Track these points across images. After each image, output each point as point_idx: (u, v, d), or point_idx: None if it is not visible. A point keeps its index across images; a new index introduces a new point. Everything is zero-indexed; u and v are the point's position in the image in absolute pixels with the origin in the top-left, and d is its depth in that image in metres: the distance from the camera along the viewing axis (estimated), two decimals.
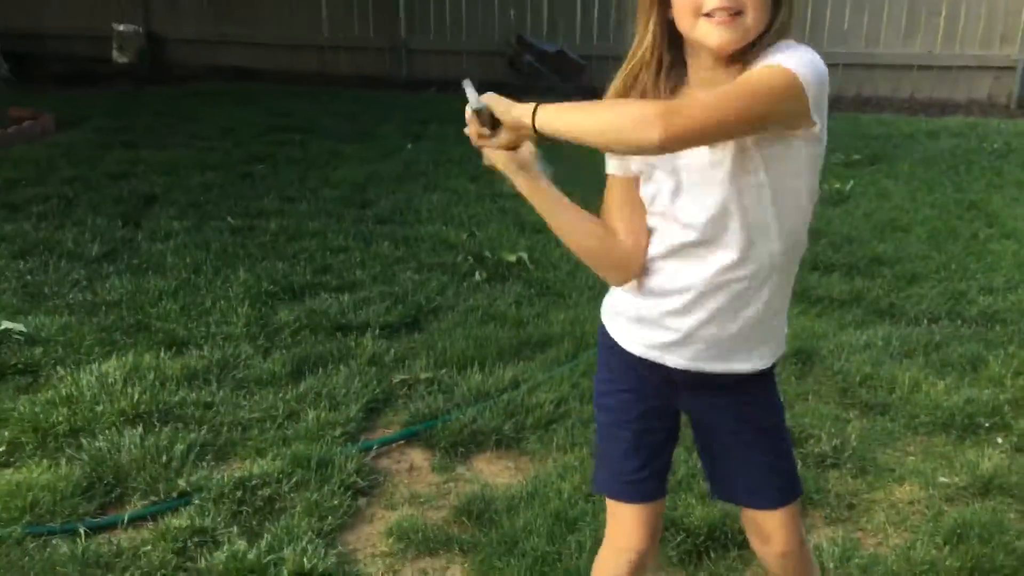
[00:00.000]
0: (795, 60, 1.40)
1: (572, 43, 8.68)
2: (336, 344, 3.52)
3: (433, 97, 8.17)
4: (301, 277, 4.13)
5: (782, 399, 1.80)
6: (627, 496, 1.73)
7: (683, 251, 1.55)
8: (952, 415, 2.97)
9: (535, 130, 1.44)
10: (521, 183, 1.58)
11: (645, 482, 1.72)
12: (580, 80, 8.20)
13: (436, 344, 3.49)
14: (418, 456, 2.89)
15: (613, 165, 1.61)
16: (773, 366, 1.68)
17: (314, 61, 9.43)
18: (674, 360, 1.61)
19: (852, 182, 5.52)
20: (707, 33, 1.42)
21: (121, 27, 9.52)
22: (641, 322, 1.64)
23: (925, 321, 3.69)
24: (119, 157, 6.03)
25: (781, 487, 1.72)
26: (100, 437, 2.82)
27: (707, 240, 1.52)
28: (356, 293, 3.96)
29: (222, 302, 3.83)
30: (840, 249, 4.47)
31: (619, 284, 1.66)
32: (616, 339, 1.68)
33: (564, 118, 1.43)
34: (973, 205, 5.10)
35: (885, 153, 6.27)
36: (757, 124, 1.41)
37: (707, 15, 1.41)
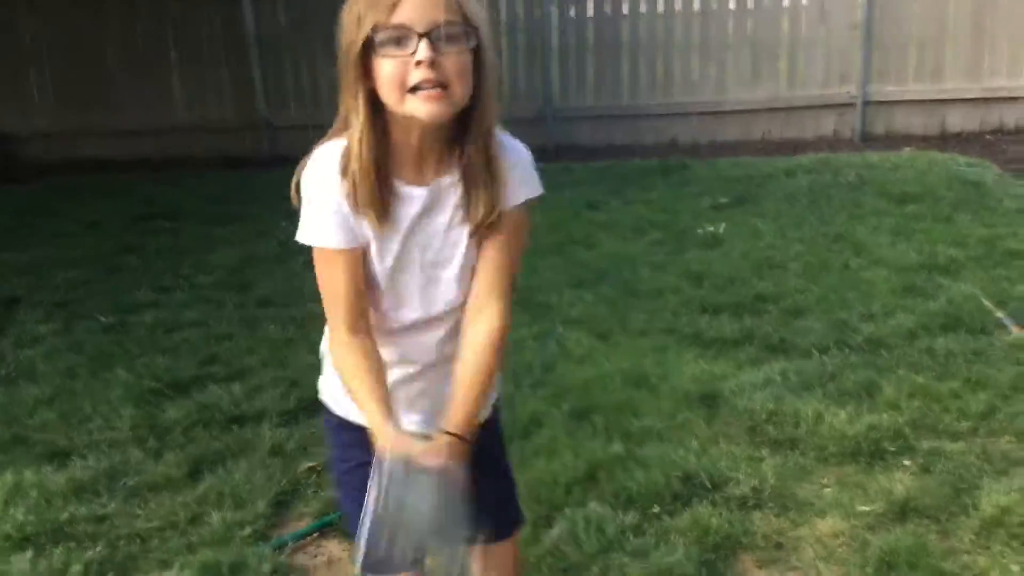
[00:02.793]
0: (536, 182, 1.59)
1: None
2: (233, 438, 3.35)
3: None
4: (186, 370, 3.94)
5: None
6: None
7: None
8: (858, 443, 3.05)
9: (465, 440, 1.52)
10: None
11: None
12: None
13: None
14: (335, 547, 2.76)
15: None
16: None
17: (173, 145, 9.17)
18: None
19: (724, 224, 5.70)
20: (416, 108, 1.43)
21: None
22: None
23: (816, 353, 3.80)
24: None
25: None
26: None
27: None
28: (248, 381, 3.80)
29: (103, 406, 3.61)
30: (724, 290, 4.59)
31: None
32: None
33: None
34: (839, 237, 5.34)
35: (749, 194, 6.51)
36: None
37: (413, 90, 1.42)
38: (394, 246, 1.56)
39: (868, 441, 3.05)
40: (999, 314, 4.04)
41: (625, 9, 8.72)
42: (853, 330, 4.00)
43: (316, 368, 3.87)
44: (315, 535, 2.81)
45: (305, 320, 4.43)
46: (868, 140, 8.44)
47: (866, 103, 8.47)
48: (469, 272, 1.59)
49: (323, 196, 1.52)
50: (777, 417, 3.27)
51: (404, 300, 1.61)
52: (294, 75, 9.02)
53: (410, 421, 1.53)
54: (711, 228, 5.62)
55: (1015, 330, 3.89)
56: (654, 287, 4.68)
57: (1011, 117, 8.41)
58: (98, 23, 9.08)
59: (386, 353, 1.61)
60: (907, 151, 7.71)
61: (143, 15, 9.06)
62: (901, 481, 2.83)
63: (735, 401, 3.40)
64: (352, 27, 1.45)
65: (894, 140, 8.37)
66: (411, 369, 1.67)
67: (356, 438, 1.63)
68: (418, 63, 1.40)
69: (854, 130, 8.53)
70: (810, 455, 3.04)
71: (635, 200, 6.35)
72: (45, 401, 3.68)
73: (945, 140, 8.27)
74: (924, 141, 8.25)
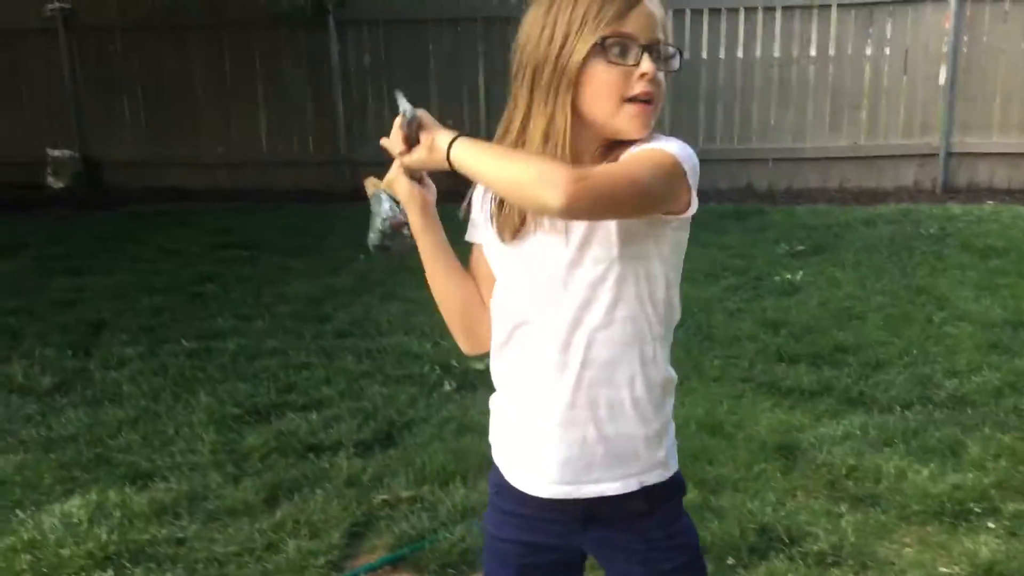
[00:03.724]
0: (674, 146, 1.41)
1: None
2: (309, 466, 3.40)
3: None
4: (265, 397, 4.01)
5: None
6: None
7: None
8: (942, 502, 2.97)
9: (448, 160, 1.40)
10: (415, 218, 1.55)
11: None
12: None
13: (414, 460, 3.40)
14: None
15: (472, 234, 1.60)
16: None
17: (254, 178, 9.42)
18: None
19: (801, 272, 5.64)
20: (626, 120, 1.41)
21: (56, 152, 9.41)
22: None
23: (897, 408, 3.73)
24: (62, 284, 5.86)
25: None
26: None
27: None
28: (324, 411, 3.86)
29: (185, 429, 3.69)
30: (801, 339, 4.52)
31: (469, 352, 1.66)
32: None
33: (478, 158, 1.39)
34: (922, 290, 5.24)
35: (827, 243, 6.43)
36: (650, 204, 1.40)
37: (631, 100, 1.40)
38: None
39: (952, 501, 2.98)
40: None
41: (704, 54, 8.73)
42: (937, 386, 3.91)
43: (391, 400, 3.95)
44: (387, 568, 2.82)
45: (380, 353, 4.50)
46: (950, 191, 8.27)
47: (949, 154, 8.32)
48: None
49: None
50: (858, 472, 3.20)
51: None
52: (376, 110, 9.21)
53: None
54: (788, 275, 5.56)
55: None
56: (730, 333, 4.64)
57: None
58: (186, 55, 9.40)
59: None
60: (990, 204, 7.54)
61: (230, 48, 9.35)
62: (986, 544, 2.75)
63: (813, 454, 3.35)
64: (564, 32, 1.40)
65: (977, 193, 8.19)
66: None
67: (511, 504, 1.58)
68: (642, 75, 1.40)
69: (935, 181, 8.38)
70: (891, 513, 2.97)
71: (710, 244, 6.31)
72: (129, 423, 3.78)
73: None
74: (1008, 195, 8.06)
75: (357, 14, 8.99)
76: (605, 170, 1.37)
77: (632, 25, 1.39)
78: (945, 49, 8.16)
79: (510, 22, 8.86)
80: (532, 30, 1.44)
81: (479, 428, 3.63)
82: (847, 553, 2.75)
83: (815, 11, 8.37)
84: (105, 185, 9.43)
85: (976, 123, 8.30)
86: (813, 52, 8.53)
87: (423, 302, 5.25)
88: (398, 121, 1.48)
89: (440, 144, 1.42)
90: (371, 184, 1.59)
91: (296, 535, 2.93)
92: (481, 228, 1.56)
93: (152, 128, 9.58)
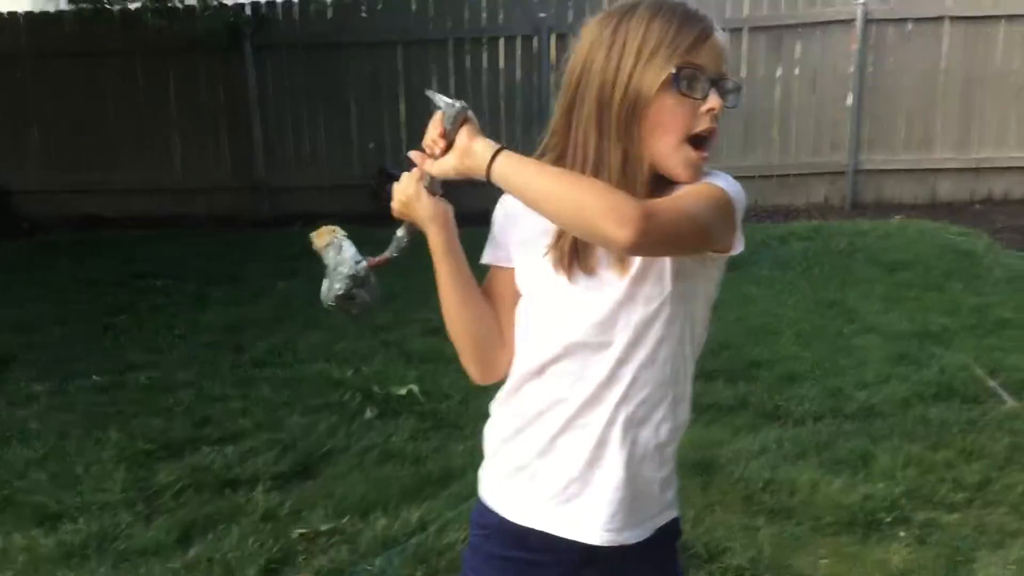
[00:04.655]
0: (726, 182, 1.36)
1: None
2: (225, 502, 3.32)
3: (300, 233, 8.02)
4: (179, 432, 3.91)
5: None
6: None
7: None
8: (854, 513, 3.05)
9: (488, 174, 1.31)
10: (438, 238, 1.46)
11: None
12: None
13: (334, 491, 3.35)
14: None
15: (494, 256, 1.51)
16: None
17: (169, 205, 9.23)
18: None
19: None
20: (682, 162, 1.35)
21: None
22: None
23: (810, 420, 3.81)
24: None
25: None
26: None
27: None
28: (241, 444, 3.78)
29: (95, 467, 3.58)
30: (719, 355, 4.59)
31: (480, 380, 1.55)
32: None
33: (535, 175, 1.29)
34: (832, 304, 5.38)
35: (741, 259, 6.42)
36: (707, 242, 1.35)
37: (692, 138, 1.34)
38: None
39: (863, 511, 3.05)
40: (992, 383, 4.06)
41: None
42: (847, 398, 4.01)
43: (310, 430, 3.89)
44: None
45: (299, 382, 4.43)
46: (859, 208, 8.54)
47: (857, 171, 8.59)
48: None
49: None
50: (773, 485, 3.26)
51: None
52: (294, 137, 9.12)
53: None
54: None
55: (1009, 400, 3.90)
56: None
57: (999, 187, 8.53)
58: (99, 81, 9.18)
59: None
60: (898, 219, 7.80)
61: (144, 73, 9.17)
62: (897, 552, 2.82)
63: (731, 468, 3.40)
64: (634, 58, 1.33)
65: (884, 208, 8.46)
66: None
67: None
68: (708, 110, 1.33)
69: (844, 198, 8.64)
70: (806, 525, 3.02)
71: None
72: (36, 462, 3.65)
73: (935, 209, 8.37)
74: (914, 210, 8.34)
75: (274, 39, 8.91)
76: (670, 207, 1.29)
77: (704, 57, 1.33)
78: (852, 70, 8.43)
79: (429, 46, 8.87)
80: (596, 52, 1.35)
81: (402, 455, 3.61)
82: (764, 567, 2.79)
83: (727, 34, 8.54)
84: (15, 214, 9.14)
85: (882, 141, 8.59)
86: None
87: (344, 329, 5.24)
88: (437, 118, 1.37)
89: (479, 150, 1.32)
90: (326, 232, 1.50)
91: (210, 574, 2.86)
92: (516, 250, 1.47)
93: (64, 156, 9.34)
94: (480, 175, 1.33)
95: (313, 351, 4.86)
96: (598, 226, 1.23)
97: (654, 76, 1.32)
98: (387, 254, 1.50)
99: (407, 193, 1.46)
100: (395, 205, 1.49)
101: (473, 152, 1.33)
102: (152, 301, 6.01)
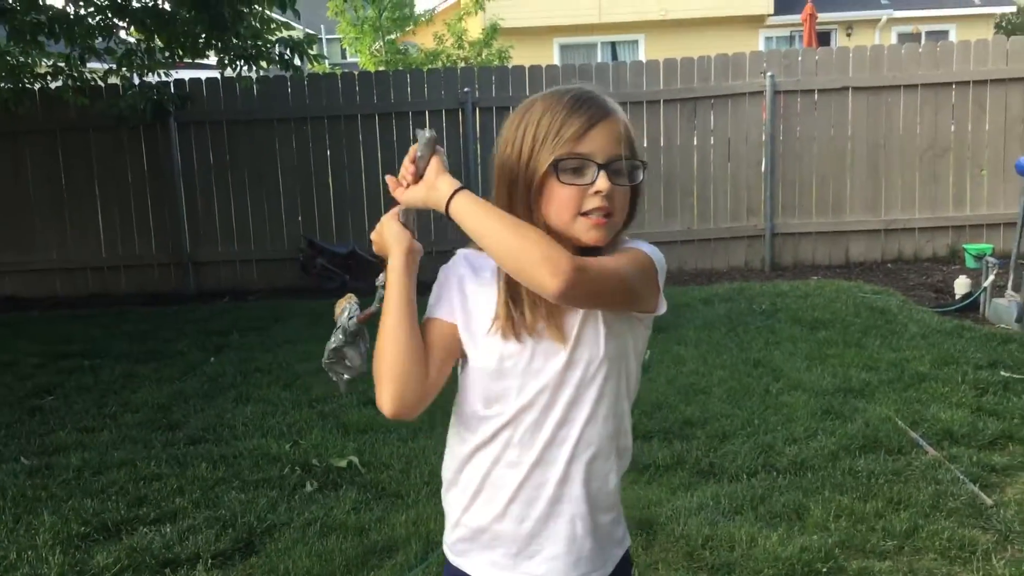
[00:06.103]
0: (648, 248, 1.54)
1: (363, 243, 8.89)
2: None
3: (228, 307, 8.03)
4: (114, 513, 3.83)
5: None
6: None
7: None
8: (792, 565, 3.14)
9: (447, 208, 1.46)
10: (399, 259, 1.54)
11: None
12: (374, 279, 8.33)
13: (277, 567, 3.31)
14: None
15: (440, 311, 1.57)
16: None
17: (93, 283, 9.08)
18: None
19: (649, 351, 5.87)
20: (582, 232, 1.48)
21: None
22: None
23: (745, 476, 3.92)
24: None
25: None
26: None
27: None
28: (179, 523, 3.72)
29: (29, 552, 3.48)
30: (653, 415, 4.71)
31: (391, 414, 1.54)
32: None
33: (484, 217, 1.43)
34: (759, 363, 5.55)
35: (669, 322, 6.72)
36: (631, 300, 1.50)
37: (584, 214, 1.48)
38: None
39: (801, 563, 3.15)
40: (914, 435, 4.24)
41: None
42: (778, 453, 4.14)
43: (250, 506, 3.84)
44: None
45: (236, 457, 4.39)
46: (777, 269, 8.86)
47: (774, 235, 8.93)
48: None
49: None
50: (713, 541, 3.34)
51: None
52: (220, 212, 9.08)
53: None
54: None
55: (930, 451, 4.08)
56: None
57: (909, 247, 8.96)
58: (18, 158, 9.06)
59: None
60: (815, 279, 8.11)
61: (65, 151, 9.06)
62: None
63: (672, 526, 3.47)
64: (529, 147, 1.50)
65: (802, 269, 8.81)
66: None
67: None
68: (596, 192, 1.47)
69: (764, 260, 8.96)
70: None
71: None
72: None
73: (849, 269, 8.74)
74: (829, 270, 8.70)
75: (199, 115, 8.93)
76: (600, 265, 1.45)
77: (590, 144, 1.47)
78: (764, 138, 8.82)
79: (357, 119, 8.96)
80: (508, 136, 1.54)
81: (343, 527, 3.59)
82: None
83: (644, 105, 8.89)
84: None
85: (796, 205, 8.97)
86: (645, 143, 9.03)
87: (279, 401, 5.20)
88: (412, 149, 1.53)
89: (441, 186, 1.48)
90: (344, 300, 1.62)
91: None
92: (462, 313, 1.55)
93: None
94: (441, 208, 1.48)
95: (248, 426, 4.82)
96: (534, 272, 1.38)
97: (542, 165, 1.48)
98: (372, 308, 1.59)
99: (382, 221, 1.59)
100: (373, 235, 1.61)
101: (437, 187, 1.49)
102: (80, 381, 5.88)
